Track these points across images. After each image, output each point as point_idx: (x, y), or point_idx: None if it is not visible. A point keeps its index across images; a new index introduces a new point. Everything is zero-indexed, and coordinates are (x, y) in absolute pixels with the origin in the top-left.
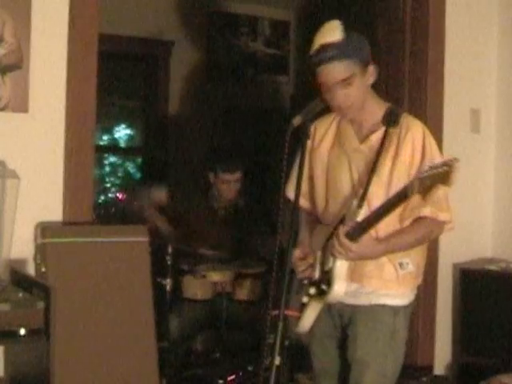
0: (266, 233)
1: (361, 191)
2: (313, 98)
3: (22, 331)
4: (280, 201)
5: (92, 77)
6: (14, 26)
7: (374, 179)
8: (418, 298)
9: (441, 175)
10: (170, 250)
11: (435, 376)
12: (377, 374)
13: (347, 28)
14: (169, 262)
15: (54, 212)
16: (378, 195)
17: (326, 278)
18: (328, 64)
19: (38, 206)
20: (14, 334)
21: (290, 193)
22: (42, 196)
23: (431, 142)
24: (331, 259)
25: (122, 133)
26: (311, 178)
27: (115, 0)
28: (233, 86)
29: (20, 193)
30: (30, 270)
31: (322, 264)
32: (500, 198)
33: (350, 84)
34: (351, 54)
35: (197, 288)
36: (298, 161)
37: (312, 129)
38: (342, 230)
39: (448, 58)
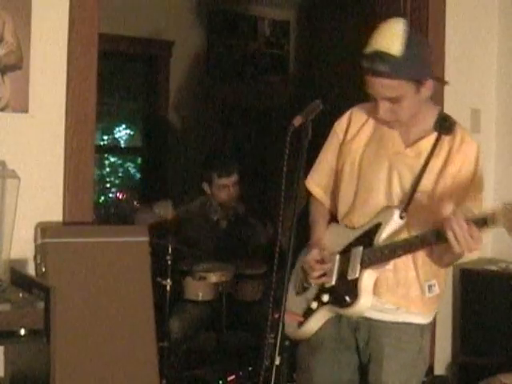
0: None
1: (399, 198)
2: (313, 99)
3: (22, 331)
4: (281, 199)
5: (92, 77)
6: (13, 26)
7: (418, 188)
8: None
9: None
10: (170, 250)
11: (435, 376)
12: None
13: (410, 33)
14: (169, 262)
15: (54, 212)
16: (419, 206)
17: (349, 288)
18: (378, 78)
19: (38, 206)
20: (14, 334)
21: (312, 185)
22: (42, 196)
23: (481, 164)
24: (358, 268)
25: (122, 133)
26: (336, 173)
27: (115, 0)
28: (233, 85)
29: (20, 193)
30: (30, 270)
31: (341, 271)
32: (500, 197)
33: (398, 101)
34: (406, 74)
35: (198, 289)
36: (324, 151)
37: (345, 120)
38: (476, 227)
39: (448, 58)
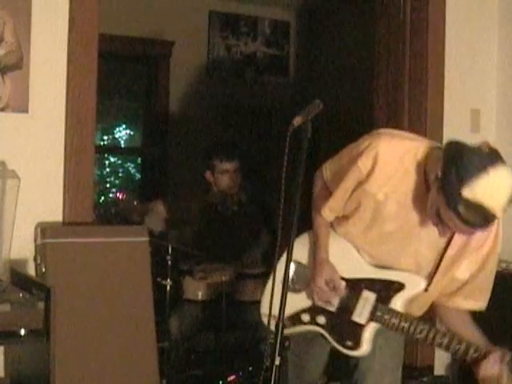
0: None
1: (413, 263)
2: (313, 99)
3: (22, 331)
4: (280, 203)
5: (92, 77)
6: (14, 26)
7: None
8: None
9: None
10: (170, 250)
11: (435, 376)
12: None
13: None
14: (169, 263)
15: (54, 212)
16: (437, 279)
17: (352, 331)
18: (475, 229)
19: (38, 206)
20: (14, 335)
21: (328, 213)
22: (42, 196)
23: (500, 240)
24: (366, 316)
25: (122, 133)
26: (350, 200)
27: (115, 0)
28: (233, 86)
29: (20, 193)
30: (30, 270)
31: (346, 304)
32: None
33: None
34: None
35: (197, 288)
36: (344, 184)
37: (370, 160)
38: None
39: (448, 58)
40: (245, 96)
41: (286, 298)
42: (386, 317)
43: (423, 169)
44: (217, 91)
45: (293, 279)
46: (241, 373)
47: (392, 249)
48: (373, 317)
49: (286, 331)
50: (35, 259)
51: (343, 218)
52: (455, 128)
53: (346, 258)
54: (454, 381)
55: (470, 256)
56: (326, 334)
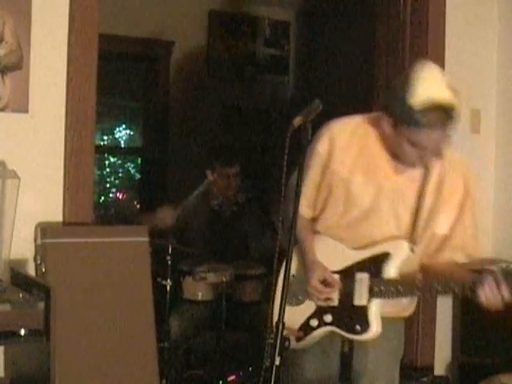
0: (260, 234)
1: (394, 226)
2: (313, 99)
3: (22, 331)
4: (280, 202)
5: (92, 77)
6: (14, 26)
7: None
8: (417, 298)
9: None
10: (170, 250)
11: (435, 376)
12: None
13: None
14: (169, 263)
15: (54, 212)
16: (424, 238)
17: (358, 315)
18: (439, 131)
19: (38, 206)
20: (14, 335)
21: (303, 208)
22: (42, 196)
23: (474, 183)
24: (366, 296)
25: (122, 133)
26: (321, 190)
27: (115, 0)
28: (233, 86)
29: (20, 193)
30: (30, 270)
31: (345, 293)
32: (500, 198)
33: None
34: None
35: (197, 289)
36: (308, 172)
37: (326, 141)
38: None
39: (448, 58)
40: (245, 96)
41: (286, 298)
42: (383, 288)
43: (376, 133)
44: (217, 91)
45: (294, 294)
46: (241, 373)
47: (372, 223)
48: (372, 294)
49: (304, 343)
50: (35, 259)
51: (320, 213)
52: (455, 128)
53: (332, 252)
54: (454, 381)
55: (445, 208)
56: (337, 330)
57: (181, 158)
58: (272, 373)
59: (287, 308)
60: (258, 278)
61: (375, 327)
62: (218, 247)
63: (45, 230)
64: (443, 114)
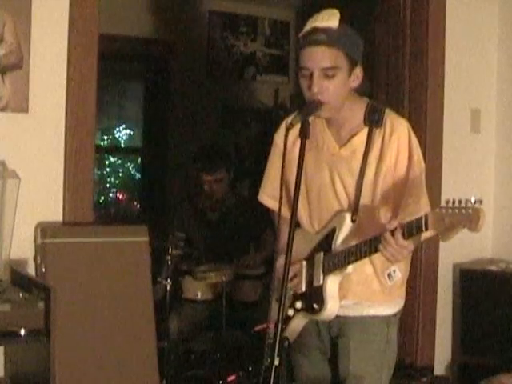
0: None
1: (345, 199)
2: None
3: (22, 331)
4: (280, 203)
5: (92, 77)
6: (14, 26)
7: (363, 188)
8: (417, 298)
9: (464, 217)
10: (170, 250)
11: (435, 376)
12: None
13: (346, 22)
14: (169, 262)
15: (54, 212)
16: (364, 205)
17: (316, 295)
18: (315, 47)
19: (38, 206)
20: (14, 334)
21: (266, 199)
22: (42, 196)
23: (416, 143)
24: (321, 275)
25: (122, 133)
26: (286, 183)
27: (115, 0)
28: (233, 85)
29: (20, 193)
30: (30, 270)
31: (309, 277)
32: (500, 198)
33: (332, 76)
34: (343, 44)
35: (197, 289)
36: (269, 163)
37: (282, 130)
38: (398, 233)
39: (448, 58)
40: (244, 96)
41: (285, 299)
42: (335, 261)
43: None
44: (216, 91)
45: (277, 288)
46: (241, 373)
47: (328, 197)
48: (325, 270)
49: (288, 334)
50: (35, 259)
51: (289, 206)
52: (455, 128)
53: (302, 241)
54: (453, 381)
55: (388, 177)
56: (306, 314)
57: (181, 158)
58: (272, 373)
59: (275, 304)
60: (257, 278)
61: (330, 304)
62: (212, 249)
63: (45, 229)
64: (318, 33)
